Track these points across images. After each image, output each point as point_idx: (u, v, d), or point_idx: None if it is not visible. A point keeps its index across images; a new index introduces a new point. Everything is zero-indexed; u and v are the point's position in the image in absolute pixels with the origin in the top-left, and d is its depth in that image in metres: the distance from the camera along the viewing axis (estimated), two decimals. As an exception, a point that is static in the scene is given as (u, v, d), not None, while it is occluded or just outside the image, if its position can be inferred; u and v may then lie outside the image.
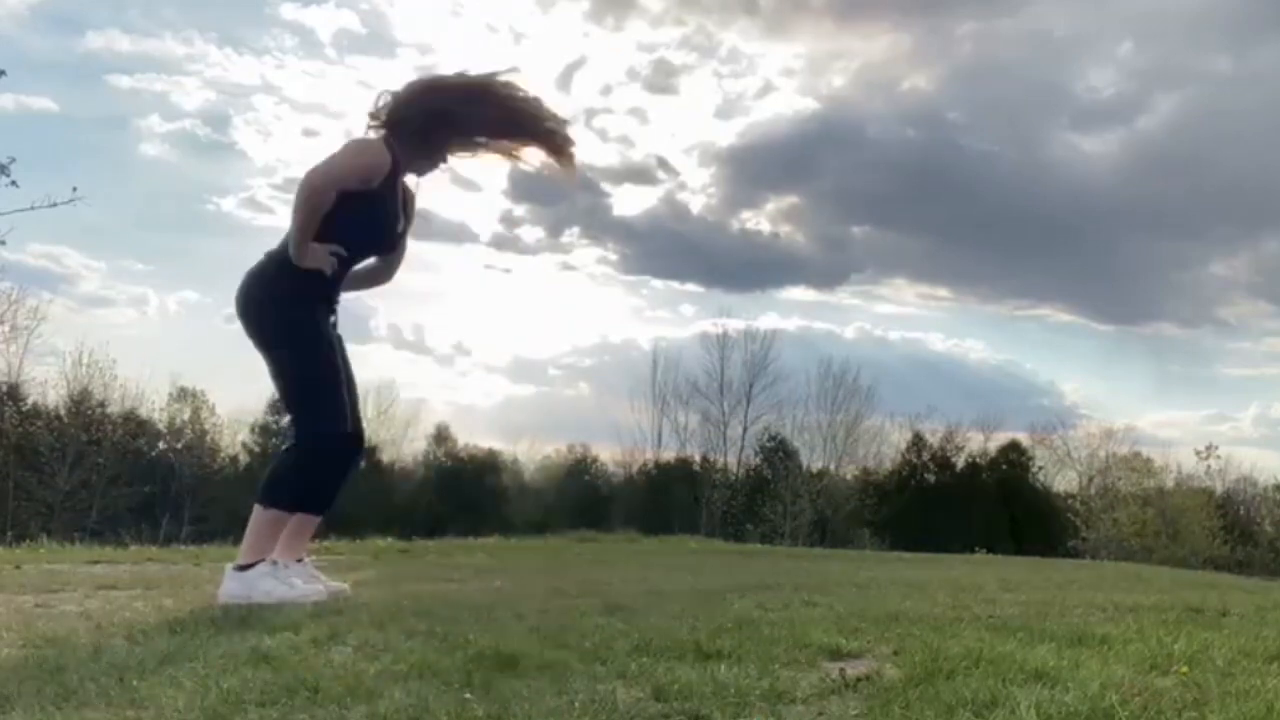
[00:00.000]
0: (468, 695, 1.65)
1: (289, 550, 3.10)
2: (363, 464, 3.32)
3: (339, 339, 3.20)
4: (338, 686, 1.68)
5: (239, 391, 53.42)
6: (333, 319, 3.20)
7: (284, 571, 3.02)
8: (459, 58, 43.01)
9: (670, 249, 45.66)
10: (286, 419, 3.24)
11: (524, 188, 38.06)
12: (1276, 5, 40.12)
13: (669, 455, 37.06)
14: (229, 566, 3.11)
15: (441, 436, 37.43)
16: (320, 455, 3.11)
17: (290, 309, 3.09)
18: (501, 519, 27.70)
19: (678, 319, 50.87)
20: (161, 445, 32.94)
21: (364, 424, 3.25)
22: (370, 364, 51.84)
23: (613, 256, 55.55)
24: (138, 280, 50.63)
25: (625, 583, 4.44)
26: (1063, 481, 35.96)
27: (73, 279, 43.40)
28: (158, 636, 2.22)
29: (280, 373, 3.13)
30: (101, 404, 30.46)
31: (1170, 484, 32.26)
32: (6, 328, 28.23)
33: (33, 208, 9.18)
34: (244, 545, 3.08)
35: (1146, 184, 43.51)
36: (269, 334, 3.12)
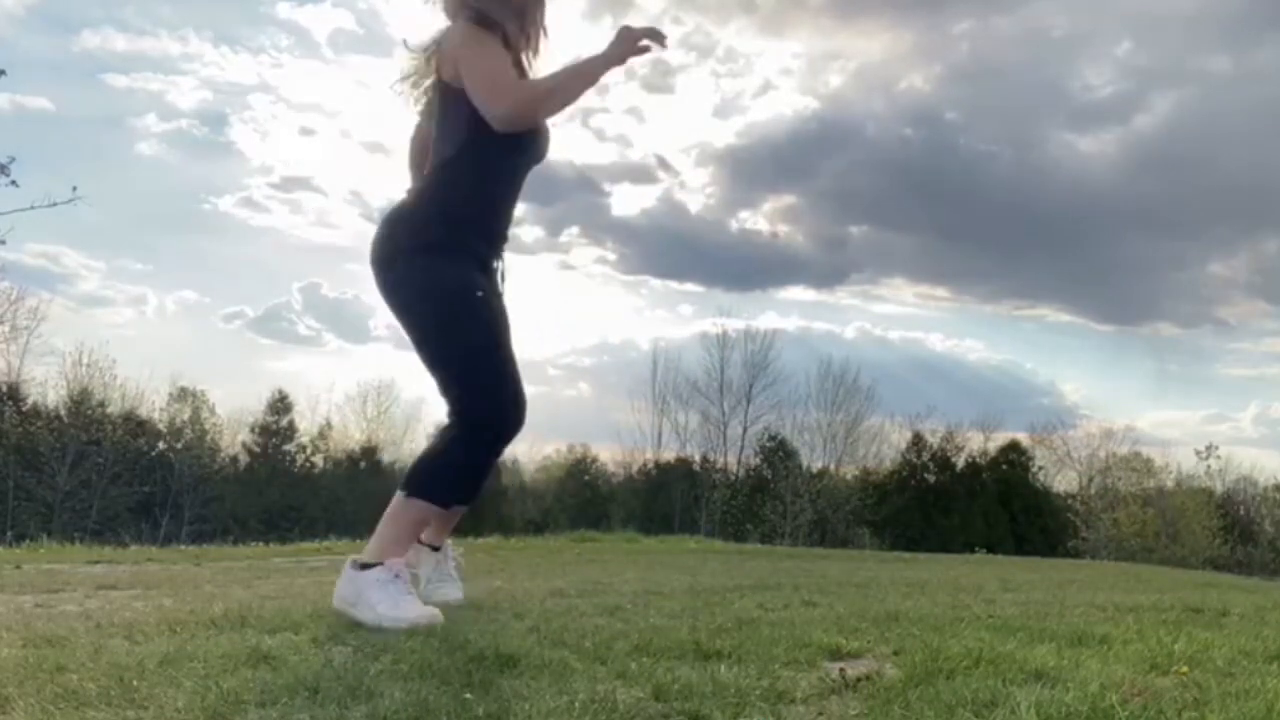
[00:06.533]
0: (468, 695, 1.65)
1: (434, 537, 2.87)
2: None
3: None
4: (338, 686, 1.68)
5: (239, 391, 53.77)
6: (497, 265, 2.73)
7: (399, 585, 2.47)
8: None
9: (669, 248, 45.77)
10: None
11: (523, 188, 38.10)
12: (1275, 5, 40.13)
13: (669, 455, 37.11)
14: (350, 561, 2.56)
15: (441, 436, 37.37)
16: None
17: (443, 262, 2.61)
18: (501, 519, 27.68)
19: (677, 319, 50.92)
20: (161, 445, 32.92)
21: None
22: (370, 364, 52.08)
23: (611, 256, 55.70)
24: (136, 280, 50.72)
25: (625, 583, 4.44)
26: (1063, 481, 36.04)
27: (71, 279, 43.51)
28: (158, 636, 2.22)
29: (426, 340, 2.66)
30: (101, 404, 30.48)
31: (1170, 484, 32.33)
32: (6, 328, 28.31)
33: (33, 207, 9.18)
34: (373, 539, 2.59)
35: (1145, 184, 43.62)
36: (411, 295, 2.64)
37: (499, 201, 2.72)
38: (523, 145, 2.68)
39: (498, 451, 2.70)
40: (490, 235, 2.70)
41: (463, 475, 2.66)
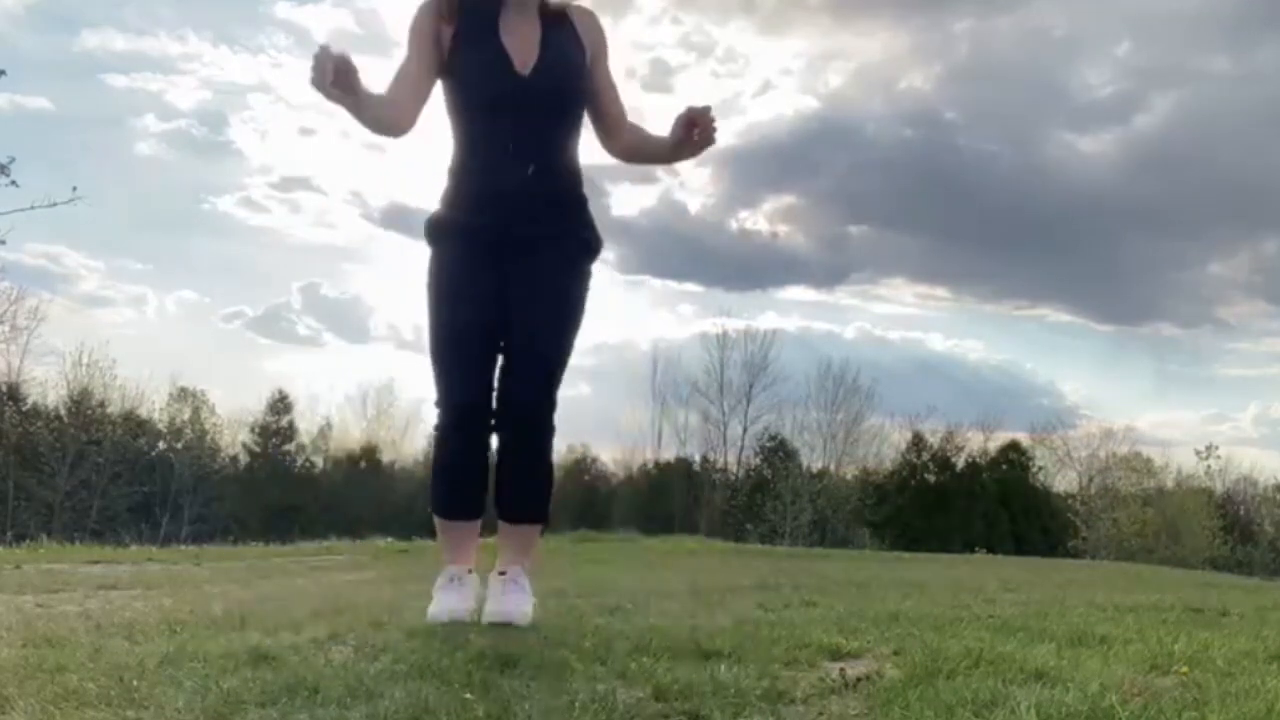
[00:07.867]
0: (468, 695, 1.65)
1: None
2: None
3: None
4: (338, 686, 1.68)
5: (239, 391, 53.78)
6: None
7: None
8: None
9: (669, 248, 45.78)
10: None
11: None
12: (1275, 5, 40.13)
13: (669, 455, 37.12)
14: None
15: (442, 436, 37.41)
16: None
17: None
18: (501, 519, 27.59)
19: (677, 319, 50.90)
20: (161, 445, 32.94)
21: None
22: (370, 364, 52.07)
23: (611, 256, 55.60)
24: (136, 280, 50.80)
25: (625, 583, 4.44)
26: (1063, 481, 35.98)
27: (71, 279, 43.52)
28: (158, 636, 2.22)
29: None
30: (101, 404, 30.47)
31: (1170, 484, 32.36)
32: (6, 328, 28.25)
33: (33, 207, 9.21)
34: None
35: (1145, 184, 43.56)
36: None
37: None
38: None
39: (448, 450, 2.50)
40: None
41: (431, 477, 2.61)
